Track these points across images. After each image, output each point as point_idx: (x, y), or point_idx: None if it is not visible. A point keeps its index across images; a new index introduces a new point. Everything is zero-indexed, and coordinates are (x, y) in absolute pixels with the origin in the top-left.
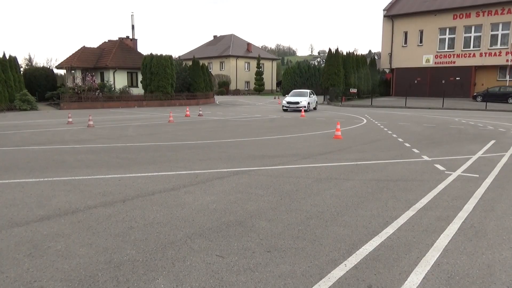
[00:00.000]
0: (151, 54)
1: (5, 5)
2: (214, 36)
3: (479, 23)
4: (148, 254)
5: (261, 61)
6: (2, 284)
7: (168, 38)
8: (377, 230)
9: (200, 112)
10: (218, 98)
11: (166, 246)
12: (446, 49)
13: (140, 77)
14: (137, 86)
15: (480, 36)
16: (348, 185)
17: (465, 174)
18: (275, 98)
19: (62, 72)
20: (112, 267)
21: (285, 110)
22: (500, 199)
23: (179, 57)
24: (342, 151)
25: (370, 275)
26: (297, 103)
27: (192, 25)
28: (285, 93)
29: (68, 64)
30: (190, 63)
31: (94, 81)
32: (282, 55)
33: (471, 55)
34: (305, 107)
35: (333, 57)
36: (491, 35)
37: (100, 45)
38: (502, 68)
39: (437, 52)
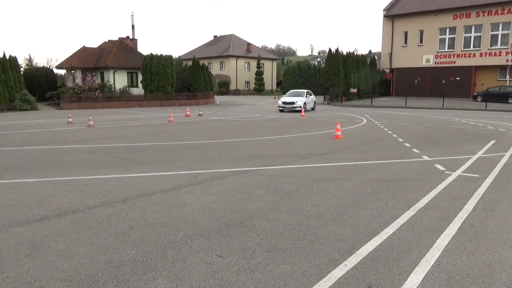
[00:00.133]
0: (151, 54)
1: (5, 5)
2: (214, 36)
3: (479, 23)
4: (148, 254)
5: (261, 61)
6: (2, 284)
7: (168, 38)
8: (377, 230)
9: (200, 112)
10: (218, 98)
11: (166, 246)
12: (446, 49)
13: (140, 77)
14: (137, 86)
15: (480, 36)
16: (348, 185)
17: (465, 174)
18: (275, 98)
19: (62, 72)
20: (112, 267)
21: (281, 111)
22: (500, 199)
23: (179, 57)
24: (342, 151)
25: (370, 275)
26: (293, 103)
27: (192, 25)
28: (285, 93)
29: (68, 64)
30: (190, 63)
31: (94, 81)
32: (282, 55)
33: (471, 55)
34: (301, 107)
35: (333, 57)
36: (491, 35)
37: (100, 45)
38: (502, 68)
39: (437, 52)
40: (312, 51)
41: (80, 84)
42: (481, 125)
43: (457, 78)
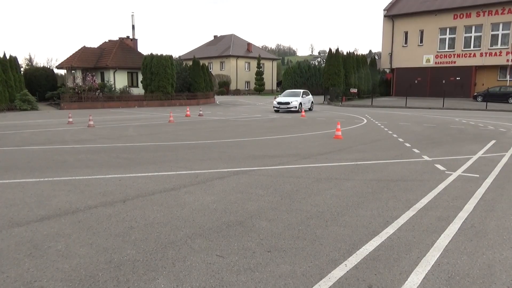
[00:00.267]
0: (151, 54)
1: (5, 5)
2: (215, 36)
3: (479, 23)
4: (148, 254)
5: (262, 61)
6: (3, 284)
7: (168, 38)
8: (377, 230)
9: (201, 112)
10: (218, 98)
11: (166, 246)
12: (446, 49)
13: (140, 77)
14: (137, 86)
15: (481, 36)
16: (349, 185)
17: (465, 174)
18: (275, 98)
19: (62, 72)
20: (112, 267)
21: (276, 111)
22: (500, 199)
23: (179, 57)
24: (343, 151)
25: (371, 275)
26: (288, 103)
27: (192, 25)
28: None
29: (69, 64)
30: (190, 63)
31: (94, 81)
32: (282, 55)
33: (472, 55)
34: (296, 107)
35: (334, 57)
36: (492, 35)
37: (100, 45)
38: (502, 68)
39: (437, 52)
40: (312, 51)
41: (80, 84)
42: (482, 125)
43: (457, 78)
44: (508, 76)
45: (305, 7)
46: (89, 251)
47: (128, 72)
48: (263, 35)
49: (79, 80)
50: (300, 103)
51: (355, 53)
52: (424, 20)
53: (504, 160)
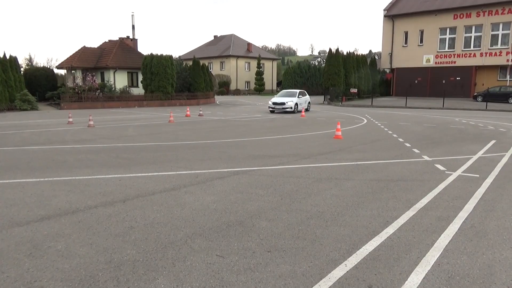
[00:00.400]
0: (151, 54)
1: (5, 5)
2: (215, 36)
3: (479, 23)
4: (148, 254)
5: (262, 61)
6: (3, 284)
7: (168, 38)
8: (377, 230)
9: (201, 112)
10: (218, 98)
11: (166, 246)
12: (446, 49)
13: (140, 77)
14: (137, 86)
15: (481, 36)
16: (349, 185)
17: (465, 174)
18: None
19: (62, 72)
20: (112, 267)
21: (271, 111)
22: (500, 199)
23: (179, 57)
24: (343, 151)
25: (371, 275)
26: (283, 103)
27: (192, 25)
28: None
29: (69, 64)
30: (190, 63)
31: (94, 81)
32: (282, 55)
33: (472, 55)
34: (291, 108)
35: (334, 57)
36: (492, 35)
37: (100, 45)
38: (502, 68)
39: (437, 52)
40: (312, 51)
41: (81, 84)
42: (482, 125)
43: (457, 78)
44: (508, 76)
45: (305, 7)
46: (89, 251)
47: (128, 72)
48: (263, 35)
49: (79, 80)
50: (296, 104)
51: (355, 53)
52: (424, 20)
53: (504, 160)
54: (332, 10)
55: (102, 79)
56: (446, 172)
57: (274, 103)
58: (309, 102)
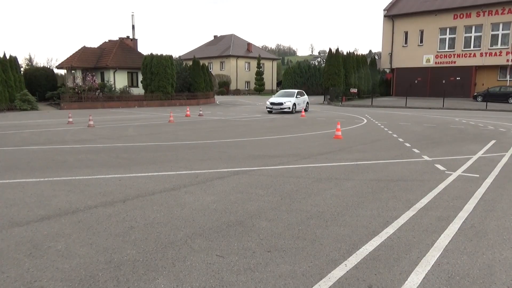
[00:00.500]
0: (151, 54)
1: (5, 5)
2: (215, 36)
3: (479, 23)
4: (148, 254)
5: (262, 61)
6: (3, 284)
7: (168, 38)
8: (377, 230)
9: (201, 112)
10: (218, 98)
11: (166, 246)
12: (446, 49)
13: (140, 77)
14: (137, 86)
15: (481, 36)
16: (349, 185)
17: (465, 174)
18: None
19: (62, 72)
20: (112, 267)
21: (269, 112)
22: (500, 199)
23: (179, 57)
24: (343, 151)
25: (371, 275)
26: (281, 104)
27: (192, 25)
28: None
29: (69, 64)
30: (190, 63)
31: (94, 81)
32: (282, 55)
33: (472, 55)
34: (289, 108)
35: (334, 57)
36: (492, 35)
37: (100, 45)
38: (502, 68)
39: (437, 52)
40: (312, 51)
41: (80, 84)
42: (482, 125)
43: (457, 78)
44: (508, 76)
45: (305, 7)
46: (89, 251)
47: (128, 72)
48: (263, 35)
49: (79, 80)
50: (294, 104)
51: (355, 53)
52: (424, 20)
53: (504, 160)
54: (332, 10)
55: (102, 79)
56: (446, 172)
57: (271, 103)
58: (307, 102)
